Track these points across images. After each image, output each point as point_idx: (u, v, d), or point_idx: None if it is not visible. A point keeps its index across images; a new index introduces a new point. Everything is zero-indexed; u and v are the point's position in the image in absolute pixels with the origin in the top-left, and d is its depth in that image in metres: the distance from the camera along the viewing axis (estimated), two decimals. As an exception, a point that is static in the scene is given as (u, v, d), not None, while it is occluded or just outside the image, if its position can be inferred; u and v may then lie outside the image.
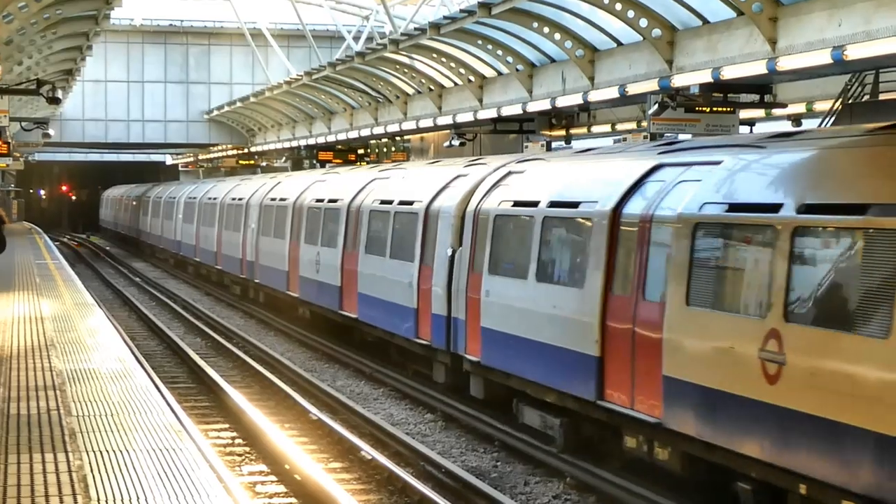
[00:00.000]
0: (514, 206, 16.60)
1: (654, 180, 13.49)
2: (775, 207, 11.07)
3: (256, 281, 32.99)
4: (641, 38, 22.69)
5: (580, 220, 14.61)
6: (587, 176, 15.55)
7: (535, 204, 15.83)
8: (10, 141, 40.79)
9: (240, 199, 36.30)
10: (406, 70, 35.50)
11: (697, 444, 11.88)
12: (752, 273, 11.34)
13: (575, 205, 14.78)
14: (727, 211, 11.81)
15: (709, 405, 11.59)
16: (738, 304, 11.46)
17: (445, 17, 28.62)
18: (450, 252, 18.35)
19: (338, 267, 24.41)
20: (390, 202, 21.86)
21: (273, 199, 31.77)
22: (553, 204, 15.36)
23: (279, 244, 29.95)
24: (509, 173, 17.66)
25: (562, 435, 14.75)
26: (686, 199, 12.43)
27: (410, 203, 20.71)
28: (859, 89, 20.77)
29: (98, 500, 7.59)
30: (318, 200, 27.08)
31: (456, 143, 34.41)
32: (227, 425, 17.35)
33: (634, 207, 13.44)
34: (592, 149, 18.79)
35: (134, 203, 64.63)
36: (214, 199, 40.82)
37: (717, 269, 11.97)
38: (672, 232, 12.49)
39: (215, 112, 58.69)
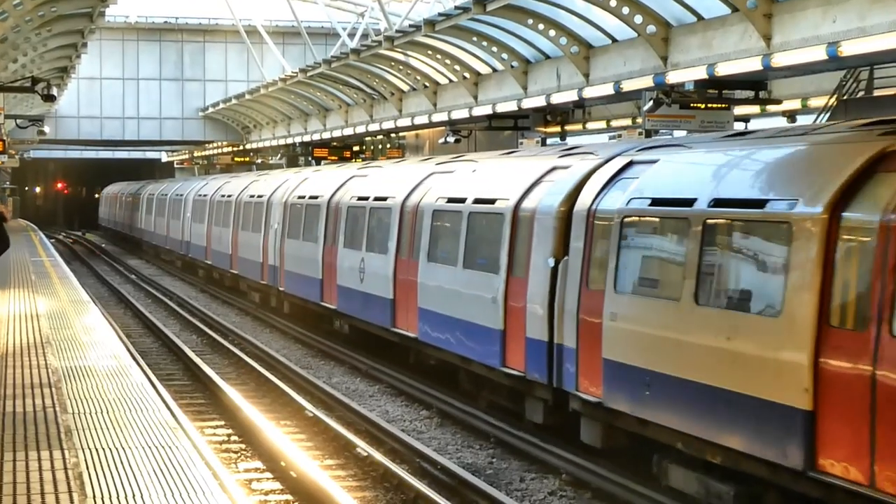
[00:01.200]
0: (651, 205, 12.96)
1: (891, 170, 10.14)
2: None
3: (281, 289, 28.92)
4: (636, 35, 22.74)
5: (771, 224, 11.04)
6: (767, 167, 12.02)
7: (687, 203, 12.21)
8: (5, 138, 40.80)
9: (260, 197, 32.33)
10: (401, 67, 35.55)
11: None
12: None
13: (759, 204, 11.22)
14: None
15: None
16: None
17: (440, 14, 28.67)
18: (551, 262, 14.75)
19: (389, 276, 20.71)
20: (461, 200, 18.19)
21: (301, 197, 27.83)
22: (719, 203, 11.76)
23: (310, 248, 26.18)
24: (631, 163, 14.17)
25: None
26: None
27: (491, 202, 17.06)
28: (854, 85, 20.82)
29: (94, 497, 7.60)
30: (360, 198, 23.33)
31: (451, 139, 34.44)
32: (222, 422, 17.35)
33: (865, 208, 10.06)
34: (747, 132, 14.79)
35: (136, 201, 60.11)
36: (229, 196, 36.89)
37: None
38: None
39: (210, 109, 58.74)
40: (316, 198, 26.49)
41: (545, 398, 15.15)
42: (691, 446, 11.84)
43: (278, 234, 29.36)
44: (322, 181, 27.60)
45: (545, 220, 15.16)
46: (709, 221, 11.82)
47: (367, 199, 22.91)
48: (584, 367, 13.91)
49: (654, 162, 13.69)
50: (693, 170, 13.13)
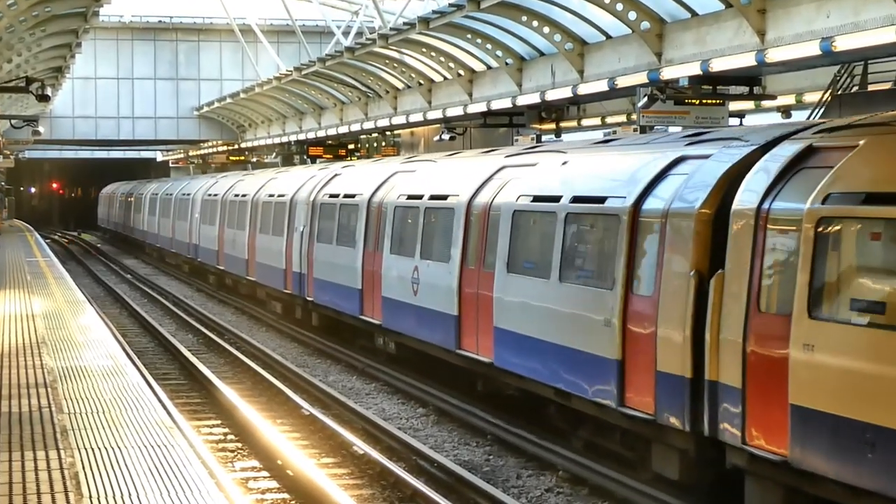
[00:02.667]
0: (866, 202, 9.94)
1: None
2: None
3: (309, 299, 26.00)
4: (630, 31, 22.74)
5: None
6: None
7: None
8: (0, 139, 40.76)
9: (281, 196, 29.18)
10: (395, 65, 35.52)
11: None
12: None
13: None
14: None
15: None
16: None
17: (434, 12, 28.62)
18: (693, 277, 11.80)
19: (453, 289, 17.75)
20: (553, 199, 15.09)
21: (333, 196, 24.87)
22: None
23: (347, 254, 23.15)
24: (812, 149, 11.13)
25: None
26: None
27: (598, 200, 13.97)
28: (848, 80, 20.83)
29: (90, 497, 7.59)
30: (410, 197, 20.33)
31: (446, 137, 34.47)
32: (219, 421, 17.36)
33: None
34: None
35: (138, 200, 57.61)
36: (244, 195, 33.80)
37: None
38: None
39: (205, 108, 58.70)
40: (352, 196, 23.56)
41: (684, 448, 12.16)
42: None
43: (305, 237, 26.47)
44: (357, 178, 24.73)
45: (683, 223, 12.12)
46: None
47: (419, 197, 19.91)
48: (756, 414, 10.85)
49: (851, 148, 10.59)
50: None
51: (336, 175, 26.53)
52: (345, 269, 23.17)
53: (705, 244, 11.82)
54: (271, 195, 30.51)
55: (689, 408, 11.73)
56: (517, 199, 16.16)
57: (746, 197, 11.38)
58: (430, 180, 20.36)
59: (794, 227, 10.65)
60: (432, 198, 19.35)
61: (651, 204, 12.88)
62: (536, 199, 15.67)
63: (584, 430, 14.65)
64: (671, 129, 22.14)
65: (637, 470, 13.31)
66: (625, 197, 13.28)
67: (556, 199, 14.98)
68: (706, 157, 12.68)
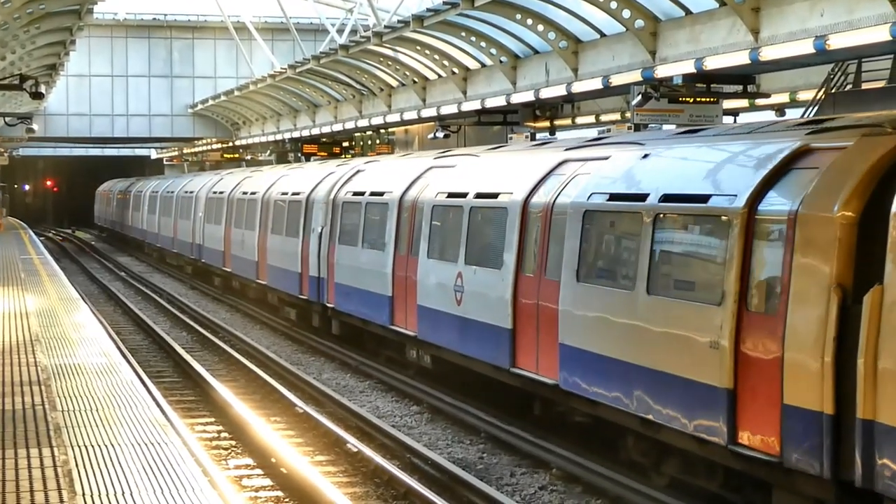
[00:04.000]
0: None
1: None
2: None
3: (329, 305, 23.88)
4: (625, 30, 22.76)
5: None
6: None
7: None
8: (-7, 136, 40.75)
9: (296, 194, 27.12)
10: (390, 62, 35.53)
11: None
12: None
13: None
14: None
15: None
16: None
17: (429, 10, 28.63)
18: (835, 292, 9.74)
19: (507, 299, 15.61)
20: (637, 197, 12.99)
21: (358, 193, 22.85)
22: None
23: (374, 257, 21.09)
24: None
25: None
26: None
27: (698, 199, 11.89)
28: (842, 79, 20.87)
29: (83, 494, 7.59)
30: (451, 195, 18.22)
31: (440, 135, 34.48)
32: (212, 419, 17.36)
33: None
34: None
35: (137, 198, 55.84)
36: (253, 193, 31.86)
37: None
38: None
39: (199, 106, 58.66)
40: (380, 194, 21.54)
41: (820, 498, 10.23)
42: None
43: (325, 238, 24.32)
44: (385, 174, 22.79)
45: (819, 227, 10.02)
46: None
47: (462, 195, 17.77)
48: None
49: None
50: None
51: (359, 171, 24.47)
52: (372, 274, 21.10)
53: (849, 253, 9.70)
54: (284, 193, 28.54)
55: (829, 450, 9.70)
56: (588, 198, 13.96)
57: None
58: (473, 176, 18.21)
59: None
60: (479, 196, 17.24)
61: (771, 204, 10.78)
62: (613, 197, 13.52)
63: (670, 465, 12.79)
64: (665, 127, 22.20)
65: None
66: (735, 195, 11.17)
67: (641, 197, 12.84)
68: (840, 148, 10.50)
